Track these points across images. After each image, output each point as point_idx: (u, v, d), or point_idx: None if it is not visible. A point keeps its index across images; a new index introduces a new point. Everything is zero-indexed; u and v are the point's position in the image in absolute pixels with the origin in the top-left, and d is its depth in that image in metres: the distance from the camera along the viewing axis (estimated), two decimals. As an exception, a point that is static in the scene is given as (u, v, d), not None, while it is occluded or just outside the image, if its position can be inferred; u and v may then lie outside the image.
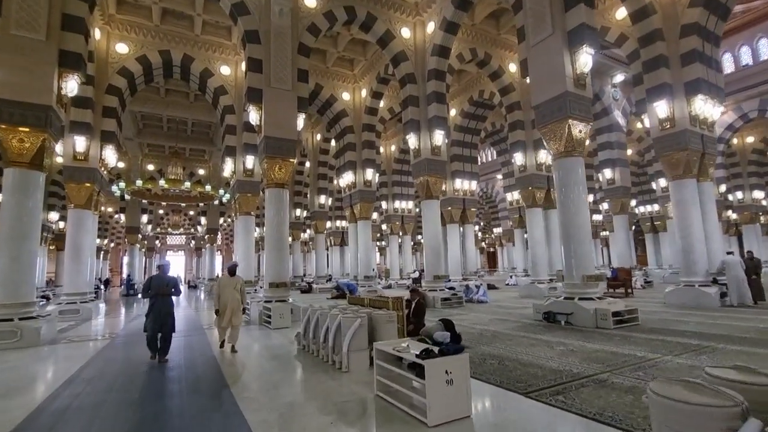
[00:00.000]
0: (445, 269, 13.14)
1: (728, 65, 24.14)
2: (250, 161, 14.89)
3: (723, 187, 23.95)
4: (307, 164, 25.64)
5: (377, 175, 18.37)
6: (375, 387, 3.96)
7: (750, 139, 25.54)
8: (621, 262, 19.09)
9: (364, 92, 18.13)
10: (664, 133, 11.44)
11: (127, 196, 21.75)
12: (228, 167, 15.25)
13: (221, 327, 6.82)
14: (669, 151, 11.29)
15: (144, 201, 25.32)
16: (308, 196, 25.31)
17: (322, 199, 23.87)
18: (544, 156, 15.64)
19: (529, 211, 15.78)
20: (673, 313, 9.16)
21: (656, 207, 26.41)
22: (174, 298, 6.49)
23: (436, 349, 3.46)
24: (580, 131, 8.60)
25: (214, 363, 5.87)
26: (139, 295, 24.77)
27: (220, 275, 14.03)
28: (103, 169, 13.23)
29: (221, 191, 22.23)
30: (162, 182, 19.39)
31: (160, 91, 18.87)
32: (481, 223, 48.27)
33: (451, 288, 13.12)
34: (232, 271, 7.12)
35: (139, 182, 19.35)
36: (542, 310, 8.46)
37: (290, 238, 27.02)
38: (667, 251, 26.92)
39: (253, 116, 10.65)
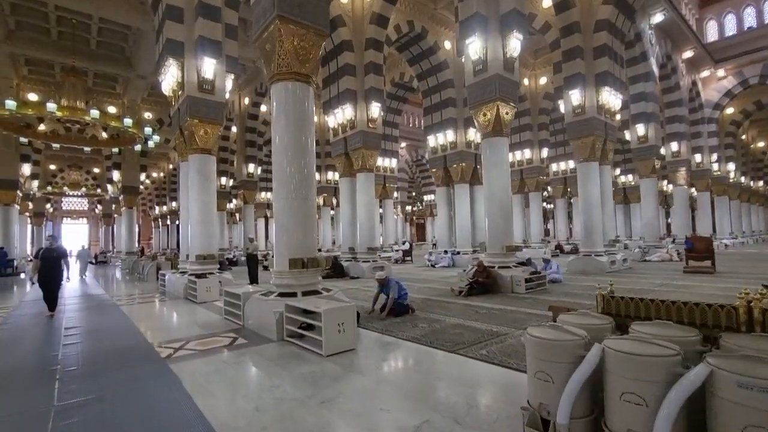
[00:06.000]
0: (509, 237, 9.26)
1: (730, 27, 23.03)
2: (209, 67, 9.39)
3: None
4: (234, 129, 21.91)
5: (383, 112, 13.67)
6: None
7: None
8: (648, 232, 17.04)
9: (369, -8, 13.08)
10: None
11: (-8, 130, 14.37)
12: (169, 76, 9.53)
13: None
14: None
15: (24, 142, 17.66)
16: (235, 163, 22.50)
17: (251, 167, 21.71)
18: (607, 95, 12.30)
19: (582, 167, 12.46)
20: None
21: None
22: None
23: None
24: None
25: None
26: (23, 275, 17.50)
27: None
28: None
29: (147, 129, 15.89)
30: (52, 107, 12.69)
31: (43, -42, 11.87)
32: (414, 193, 45.16)
33: (524, 263, 9.39)
34: None
35: (10, 103, 12.46)
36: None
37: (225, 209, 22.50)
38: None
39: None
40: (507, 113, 8.94)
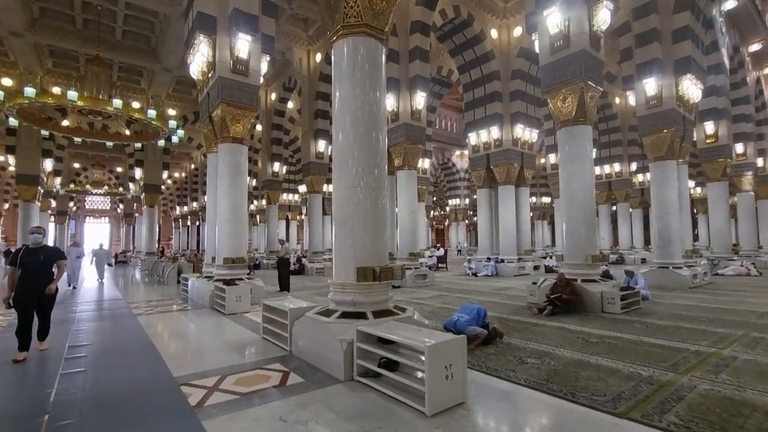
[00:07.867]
0: (593, 245, 7.76)
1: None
2: (243, 45, 8.27)
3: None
4: (258, 127, 21.19)
5: (425, 108, 12.37)
6: None
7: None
8: (718, 242, 15.22)
9: (416, -28, 11.83)
10: None
11: (12, 120, 13.61)
12: (199, 56, 8.45)
13: None
14: None
15: (45, 135, 17.03)
16: (259, 162, 22.24)
17: (276, 166, 20.72)
18: (688, 84, 10.73)
19: (657, 165, 10.85)
20: None
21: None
22: None
23: None
24: None
25: None
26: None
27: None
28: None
29: (172, 123, 14.99)
30: (72, 95, 11.83)
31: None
32: (435, 198, 43.69)
33: (607, 275, 7.90)
34: None
35: (29, 91, 11.65)
36: None
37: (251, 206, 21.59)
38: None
39: None
40: (592, 97, 7.52)
